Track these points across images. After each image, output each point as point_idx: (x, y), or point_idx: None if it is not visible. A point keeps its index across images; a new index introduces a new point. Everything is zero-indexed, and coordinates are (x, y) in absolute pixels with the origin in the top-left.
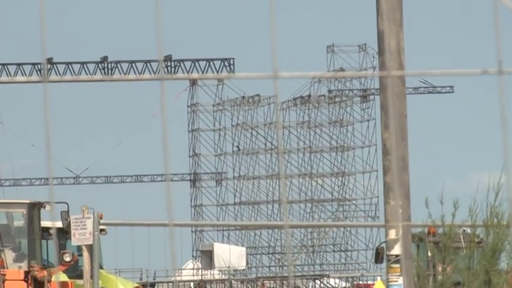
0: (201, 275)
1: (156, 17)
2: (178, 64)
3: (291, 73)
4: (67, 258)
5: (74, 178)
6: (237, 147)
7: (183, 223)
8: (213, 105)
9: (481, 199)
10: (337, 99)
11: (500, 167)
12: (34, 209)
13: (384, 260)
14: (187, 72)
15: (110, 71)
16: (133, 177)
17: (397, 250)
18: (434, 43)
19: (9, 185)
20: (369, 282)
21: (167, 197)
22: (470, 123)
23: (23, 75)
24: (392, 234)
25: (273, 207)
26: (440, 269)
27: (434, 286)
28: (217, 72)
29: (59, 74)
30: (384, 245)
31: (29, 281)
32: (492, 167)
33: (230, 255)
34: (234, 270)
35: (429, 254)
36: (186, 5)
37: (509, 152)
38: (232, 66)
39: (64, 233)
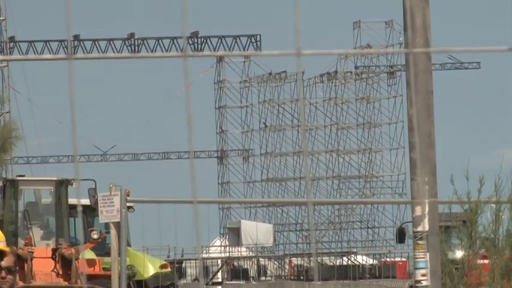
0: (229, 252)
1: None
2: (204, 41)
3: (314, 50)
4: (94, 236)
5: (101, 155)
6: (264, 123)
7: (208, 200)
8: (240, 82)
9: (506, 175)
10: (363, 76)
11: None
12: (61, 186)
13: (407, 239)
14: (214, 49)
15: (136, 47)
16: (161, 154)
17: (423, 227)
18: (461, 18)
19: (36, 162)
20: (396, 259)
21: (191, 174)
22: (497, 100)
23: (49, 52)
24: (418, 210)
25: (300, 184)
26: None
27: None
28: (244, 49)
29: (86, 51)
30: (406, 224)
31: (57, 259)
32: None
33: (257, 232)
34: (262, 247)
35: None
36: None
37: None
38: (259, 43)
39: (91, 211)
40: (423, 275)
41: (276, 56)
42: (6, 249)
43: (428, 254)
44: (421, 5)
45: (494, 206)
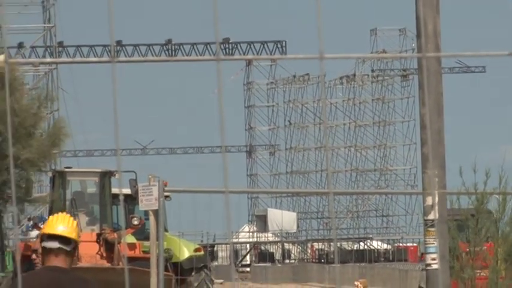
0: (256, 238)
1: (213, 4)
2: (235, 46)
3: (335, 55)
4: (135, 222)
5: (141, 149)
6: (289, 121)
7: (238, 190)
8: (267, 84)
9: (510, 168)
10: (379, 78)
11: None
12: (105, 177)
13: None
14: (244, 54)
15: (173, 52)
16: (195, 149)
17: (433, 215)
18: (469, 25)
19: (83, 156)
20: (408, 244)
21: (223, 167)
22: (501, 100)
23: (94, 56)
24: (429, 201)
25: (321, 176)
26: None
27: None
28: (271, 53)
29: (127, 55)
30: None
31: (101, 242)
32: None
33: (282, 219)
34: (286, 233)
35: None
36: None
37: None
38: (284, 48)
39: (132, 199)
40: (433, 259)
41: (300, 59)
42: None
43: (437, 240)
44: (432, 14)
45: (498, 196)
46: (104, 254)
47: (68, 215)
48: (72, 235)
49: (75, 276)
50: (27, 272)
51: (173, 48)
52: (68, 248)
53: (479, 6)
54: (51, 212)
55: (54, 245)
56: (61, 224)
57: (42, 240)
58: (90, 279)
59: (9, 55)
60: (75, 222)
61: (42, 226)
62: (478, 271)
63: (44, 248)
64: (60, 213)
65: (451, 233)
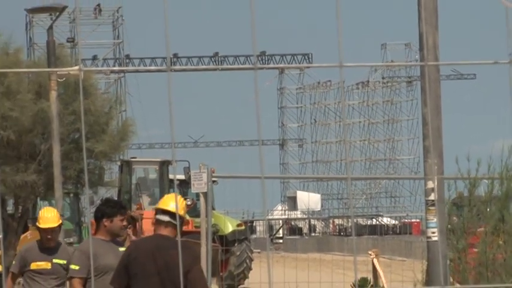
0: (287, 215)
1: (251, 23)
2: (270, 58)
3: (353, 64)
4: (188, 202)
5: (193, 142)
6: (314, 119)
7: (272, 176)
8: (296, 89)
9: (497, 158)
10: (388, 84)
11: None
12: (164, 165)
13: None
14: (277, 64)
15: (219, 62)
16: (237, 142)
17: (433, 197)
18: (462, 39)
19: (145, 148)
20: (412, 220)
21: (260, 157)
22: (488, 102)
23: (155, 66)
24: (430, 184)
25: (340, 164)
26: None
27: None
28: (299, 63)
29: (182, 64)
30: None
31: None
32: (505, 135)
33: (309, 200)
34: (312, 211)
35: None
36: (278, 9)
37: None
38: (310, 59)
39: (186, 184)
40: (433, 232)
41: (323, 68)
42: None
43: (437, 217)
44: (432, 31)
45: (487, 181)
46: None
47: (180, 195)
48: (180, 212)
49: (177, 242)
50: (141, 237)
51: (219, 60)
52: (175, 223)
53: (470, 23)
54: (119, 194)
55: (165, 218)
56: (172, 202)
57: (156, 213)
58: (189, 245)
59: (85, 65)
60: (184, 202)
61: None
62: (471, 243)
63: (157, 220)
64: (172, 193)
65: (449, 211)
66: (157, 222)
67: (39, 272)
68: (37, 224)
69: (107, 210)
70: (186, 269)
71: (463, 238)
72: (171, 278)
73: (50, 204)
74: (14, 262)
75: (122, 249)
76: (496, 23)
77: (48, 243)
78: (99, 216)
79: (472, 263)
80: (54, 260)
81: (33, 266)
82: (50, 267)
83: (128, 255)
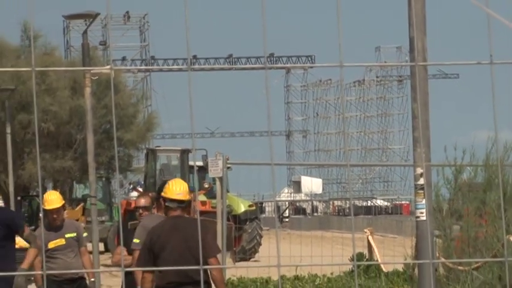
0: (293, 197)
1: (263, 28)
2: (278, 59)
3: (352, 63)
4: (206, 186)
5: (210, 133)
6: (316, 113)
7: (280, 163)
8: (301, 86)
9: (480, 147)
10: (382, 82)
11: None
12: (184, 153)
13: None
14: (284, 64)
15: (233, 63)
16: (249, 133)
17: (421, 181)
18: (450, 41)
19: (168, 138)
20: (402, 202)
21: (270, 146)
22: (471, 98)
23: (176, 65)
24: (418, 170)
25: (340, 153)
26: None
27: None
28: (304, 63)
29: (201, 65)
30: None
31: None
32: (488, 127)
33: (312, 184)
34: (314, 194)
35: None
36: (285, 13)
37: (497, 117)
38: (313, 60)
39: (204, 169)
40: (421, 213)
41: (324, 67)
42: (186, 197)
43: (424, 199)
44: (421, 36)
45: (469, 168)
46: None
47: (182, 181)
48: (186, 197)
49: (189, 218)
50: (158, 222)
51: (233, 60)
52: (183, 205)
53: (454, 29)
54: (145, 179)
55: (174, 205)
56: (178, 191)
57: (165, 201)
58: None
59: (115, 65)
60: (186, 186)
61: (139, 188)
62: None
63: (166, 206)
64: (176, 180)
65: (437, 193)
66: (167, 208)
67: (57, 249)
68: (42, 206)
69: (158, 194)
70: (202, 237)
71: (449, 217)
72: (189, 248)
73: (85, 187)
74: None
75: None
76: (478, 28)
77: (54, 223)
78: (158, 196)
79: (456, 240)
80: (66, 235)
81: (51, 245)
82: (64, 242)
83: (150, 239)
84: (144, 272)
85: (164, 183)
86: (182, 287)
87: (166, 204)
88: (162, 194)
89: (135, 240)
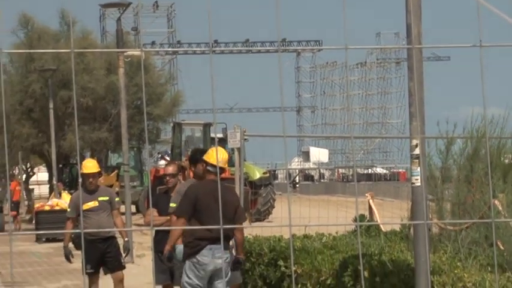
0: (302, 165)
1: (276, 16)
2: (289, 43)
3: (356, 46)
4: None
5: (229, 109)
6: (323, 91)
7: (291, 135)
8: (310, 67)
9: (465, 120)
10: (382, 64)
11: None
12: (206, 126)
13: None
14: (295, 47)
15: (250, 46)
16: (264, 108)
17: (417, 151)
18: (443, 26)
19: (192, 112)
20: (399, 170)
21: (282, 120)
22: (460, 79)
23: (199, 49)
24: (414, 142)
25: (344, 126)
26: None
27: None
28: (312, 47)
29: (221, 48)
30: None
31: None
32: (474, 104)
33: (319, 154)
34: (321, 163)
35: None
36: (297, 2)
37: (485, 94)
38: (321, 44)
39: (224, 141)
40: (416, 179)
41: (331, 49)
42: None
43: (419, 167)
44: (417, 22)
45: (459, 140)
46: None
47: (224, 150)
48: (225, 166)
49: (226, 186)
50: (199, 181)
51: (249, 44)
52: (215, 170)
53: (447, 14)
54: (172, 149)
55: (214, 170)
56: (220, 159)
57: (206, 165)
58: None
59: (145, 48)
60: (226, 155)
61: (166, 157)
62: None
63: (207, 170)
64: (219, 148)
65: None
66: (207, 171)
67: (91, 210)
68: (81, 171)
69: (192, 158)
70: (236, 205)
71: (440, 183)
72: (225, 211)
73: (119, 156)
74: (68, 209)
75: None
76: (467, 14)
77: (90, 186)
78: (190, 163)
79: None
80: (99, 198)
81: (85, 206)
82: (97, 204)
83: (196, 196)
84: (178, 217)
85: (196, 151)
86: (214, 242)
87: (208, 167)
88: (205, 157)
89: (172, 205)
